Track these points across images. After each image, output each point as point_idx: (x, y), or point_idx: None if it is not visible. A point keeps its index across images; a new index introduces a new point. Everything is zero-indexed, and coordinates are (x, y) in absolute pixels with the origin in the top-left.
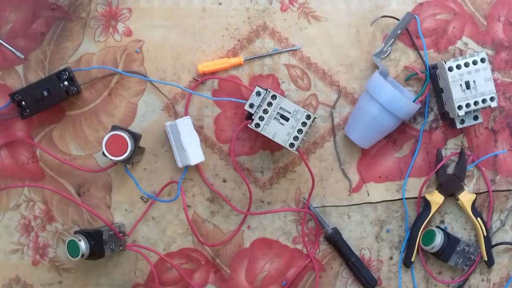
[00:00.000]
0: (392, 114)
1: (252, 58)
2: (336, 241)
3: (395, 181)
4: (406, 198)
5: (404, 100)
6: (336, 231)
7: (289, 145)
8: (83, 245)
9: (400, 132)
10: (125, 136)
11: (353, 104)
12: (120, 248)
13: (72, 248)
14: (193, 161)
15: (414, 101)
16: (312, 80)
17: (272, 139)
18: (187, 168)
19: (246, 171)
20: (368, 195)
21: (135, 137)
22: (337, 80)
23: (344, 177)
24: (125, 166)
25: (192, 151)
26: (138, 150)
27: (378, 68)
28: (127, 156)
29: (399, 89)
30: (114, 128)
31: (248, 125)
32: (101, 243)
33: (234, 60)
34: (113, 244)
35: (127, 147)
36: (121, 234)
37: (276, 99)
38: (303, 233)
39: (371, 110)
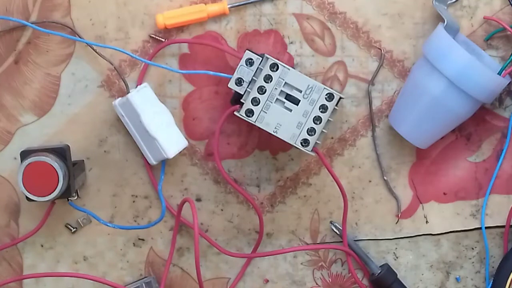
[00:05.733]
0: (465, 94)
1: (242, 4)
2: (389, 287)
3: (469, 201)
4: (487, 228)
5: (484, 72)
6: (388, 270)
7: (301, 143)
8: None
9: (478, 122)
10: (49, 161)
11: (402, 79)
12: None
13: None
14: (171, 152)
15: (499, 73)
16: (338, 40)
17: (274, 134)
18: (164, 165)
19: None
20: (427, 222)
21: (62, 155)
22: (378, 39)
23: (388, 194)
24: (69, 200)
25: (165, 136)
26: (75, 168)
27: (443, 21)
28: (60, 191)
29: (476, 54)
30: (26, 154)
31: (235, 112)
32: None
33: (214, 8)
34: None
35: (57, 178)
36: None
37: (278, 71)
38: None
39: (432, 87)
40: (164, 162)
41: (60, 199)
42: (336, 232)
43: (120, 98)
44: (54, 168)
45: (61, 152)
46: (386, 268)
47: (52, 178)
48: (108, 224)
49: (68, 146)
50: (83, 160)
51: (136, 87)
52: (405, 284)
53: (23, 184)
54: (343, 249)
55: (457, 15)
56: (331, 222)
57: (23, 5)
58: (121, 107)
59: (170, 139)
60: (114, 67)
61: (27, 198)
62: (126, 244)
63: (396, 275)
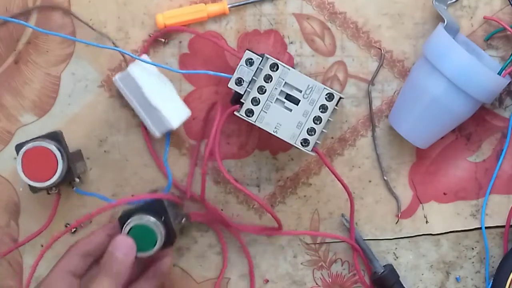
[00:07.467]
0: (465, 94)
1: (242, 4)
2: (391, 287)
3: (469, 201)
4: (487, 228)
5: (484, 72)
6: (391, 271)
7: (301, 143)
8: (158, 230)
9: (478, 122)
10: (45, 144)
11: (402, 79)
12: (183, 220)
13: (141, 237)
14: (175, 122)
15: (500, 73)
16: (338, 40)
17: (274, 134)
18: (169, 136)
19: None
20: (427, 222)
21: (56, 139)
22: (378, 39)
23: (388, 194)
24: (73, 186)
25: (168, 106)
26: (73, 154)
27: (443, 21)
28: (61, 173)
29: (476, 54)
30: (21, 146)
31: (235, 112)
32: (169, 219)
33: (214, 8)
34: (177, 217)
35: (56, 160)
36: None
37: (278, 71)
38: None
39: (432, 87)
40: (169, 134)
41: (63, 183)
42: (346, 226)
43: (120, 73)
44: (51, 150)
45: (55, 137)
46: (389, 268)
47: (51, 161)
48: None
49: (61, 131)
50: (80, 150)
51: (135, 61)
52: (405, 286)
53: (24, 173)
54: (350, 242)
55: (457, 15)
56: (342, 215)
57: (23, 5)
58: (121, 81)
59: (173, 110)
60: (113, 42)
61: (31, 188)
62: None
63: (398, 276)
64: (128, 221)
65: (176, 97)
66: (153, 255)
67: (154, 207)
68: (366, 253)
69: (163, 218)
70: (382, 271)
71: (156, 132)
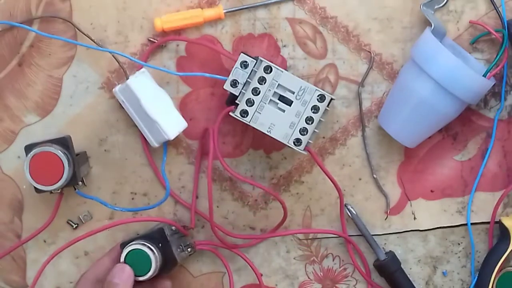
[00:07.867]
0: (452, 95)
1: (237, 10)
2: (392, 274)
3: (455, 198)
4: (472, 224)
5: (470, 74)
6: (394, 258)
7: (294, 142)
8: (153, 255)
9: (464, 122)
10: (53, 150)
11: (391, 80)
12: (189, 249)
13: (138, 262)
14: (171, 133)
15: (484, 75)
16: (329, 43)
17: (267, 134)
18: (166, 146)
19: (228, 181)
20: (415, 218)
21: (65, 144)
22: (368, 43)
23: (377, 192)
24: (76, 189)
25: (165, 118)
26: (79, 157)
27: (431, 25)
28: (66, 178)
29: (462, 57)
30: (30, 147)
31: (230, 113)
32: (169, 247)
33: (210, 12)
34: (181, 246)
35: (62, 166)
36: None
37: (272, 73)
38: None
39: (420, 89)
40: (166, 144)
41: (67, 187)
42: (349, 215)
43: (120, 85)
44: (58, 156)
45: (63, 142)
46: (392, 255)
47: (57, 167)
48: (116, 208)
49: (70, 136)
50: (85, 152)
51: (135, 73)
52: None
53: (31, 176)
54: (343, 236)
55: (444, 19)
56: (345, 205)
57: (27, 10)
58: (121, 93)
59: (170, 121)
60: (117, 61)
61: (36, 190)
62: (126, 238)
63: (400, 263)
64: (127, 247)
65: (173, 109)
66: (150, 279)
67: (154, 235)
68: (369, 240)
69: (160, 245)
70: (385, 257)
71: (154, 142)
